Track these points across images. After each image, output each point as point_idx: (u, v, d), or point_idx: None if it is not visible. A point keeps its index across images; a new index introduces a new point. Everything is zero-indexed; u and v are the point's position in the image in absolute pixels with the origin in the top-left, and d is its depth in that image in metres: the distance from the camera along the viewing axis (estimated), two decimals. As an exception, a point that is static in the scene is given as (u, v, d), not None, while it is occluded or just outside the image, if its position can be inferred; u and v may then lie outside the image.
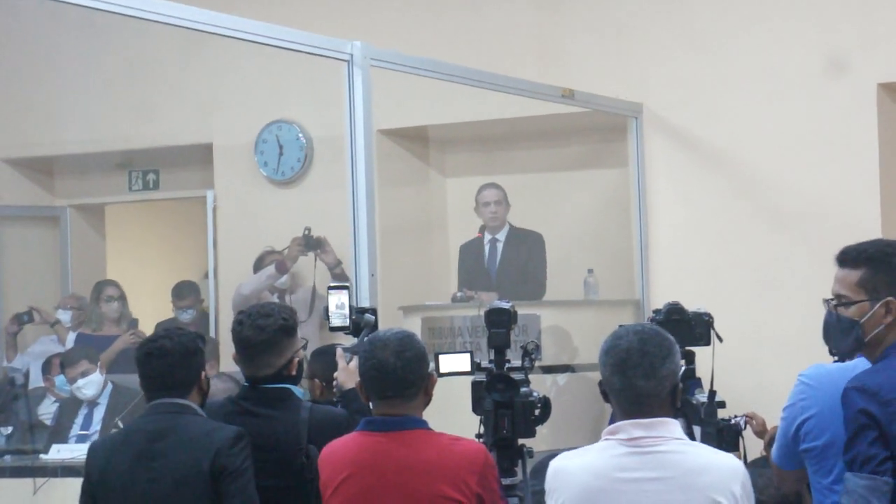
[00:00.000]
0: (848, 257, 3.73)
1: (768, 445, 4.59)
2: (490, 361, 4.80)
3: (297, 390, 4.69)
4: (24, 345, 9.38)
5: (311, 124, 9.20)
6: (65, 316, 9.20)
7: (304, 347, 4.77)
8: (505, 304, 4.88)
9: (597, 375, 3.57)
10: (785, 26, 8.06)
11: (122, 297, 9.21)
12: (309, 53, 6.01)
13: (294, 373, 4.65)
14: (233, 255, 9.35)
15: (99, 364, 7.98)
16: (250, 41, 5.80)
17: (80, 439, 7.61)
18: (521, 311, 5.22)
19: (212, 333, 9.07)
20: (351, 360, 4.74)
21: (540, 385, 6.02)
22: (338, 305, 4.90)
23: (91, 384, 7.87)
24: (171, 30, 5.66)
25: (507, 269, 8.47)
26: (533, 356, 4.82)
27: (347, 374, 4.74)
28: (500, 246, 8.55)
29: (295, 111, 9.25)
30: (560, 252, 8.55)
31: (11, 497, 7.02)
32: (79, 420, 7.90)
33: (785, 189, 8.01)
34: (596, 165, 8.87)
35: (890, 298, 3.64)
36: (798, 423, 3.82)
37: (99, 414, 7.87)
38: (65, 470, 6.90)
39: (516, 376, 4.76)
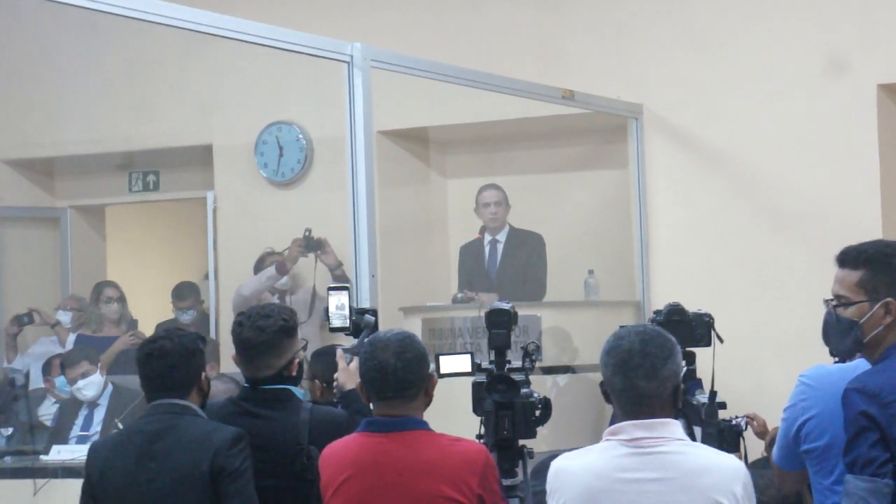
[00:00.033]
0: (848, 258, 3.73)
1: (769, 446, 4.59)
2: (491, 362, 4.79)
3: (298, 391, 4.69)
4: (24, 346, 9.38)
5: (311, 125, 9.19)
6: (65, 317, 9.20)
7: (305, 348, 4.77)
8: (505, 305, 4.88)
9: (597, 376, 3.57)
10: (785, 26, 8.06)
11: (122, 299, 9.21)
12: (309, 55, 6.01)
13: (294, 374, 4.65)
14: (233, 257, 9.35)
15: (99, 365, 7.98)
16: (251, 42, 5.80)
17: (81, 440, 7.61)
18: (522, 312, 5.22)
19: (212, 334, 9.08)
20: (351, 360, 4.74)
21: (540, 386, 6.02)
22: (338, 306, 4.90)
23: (91, 385, 7.87)
24: (172, 30, 5.65)
25: (508, 270, 8.46)
26: (533, 357, 4.82)
27: (348, 374, 4.74)
28: (500, 247, 8.54)
29: (295, 112, 9.25)
30: (560, 253, 8.55)
31: (12, 498, 7.03)
32: (79, 421, 7.90)
33: (785, 189, 8.01)
34: (596, 166, 8.87)
35: (889, 299, 3.64)
36: (799, 424, 3.82)
37: (99, 415, 7.88)
38: (65, 471, 6.91)
39: (517, 377, 4.75)
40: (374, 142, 6.17)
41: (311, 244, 8.66)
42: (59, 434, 7.80)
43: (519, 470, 4.72)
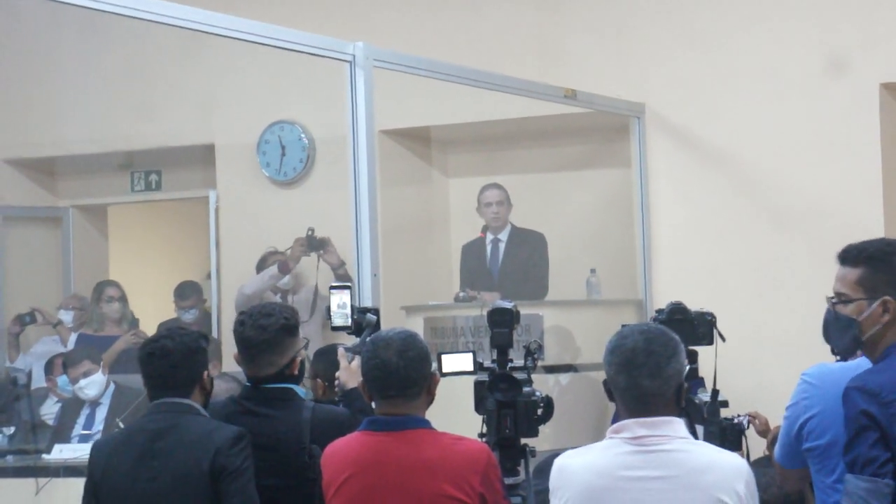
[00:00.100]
0: (849, 255, 3.73)
1: (771, 444, 4.59)
2: (493, 361, 4.80)
3: (300, 390, 4.69)
4: (26, 345, 9.38)
5: (313, 125, 9.20)
6: (67, 316, 9.21)
7: (306, 347, 4.77)
8: (507, 304, 4.89)
9: (599, 375, 3.57)
10: (785, 26, 8.06)
11: (123, 298, 9.22)
12: (311, 54, 6.02)
13: (296, 372, 4.65)
14: (235, 256, 9.35)
15: (101, 364, 7.99)
16: (252, 42, 5.80)
17: (83, 439, 7.61)
18: (524, 310, 5.22)
19: (214, 334, 9.08)
20: (353, 359, 4.74)
21: (542, 385, 6.02)
22: (340, 305, 4.90)
23: (93, 384, 7.87)
24: (173, 30, 5.65)
25: (510, 268, 8.47)
26: (535, 356, 4.83)
27: (349, 373, 4.74)
28: (502, 246, 8.55)
29: (297, 112, 9.26)
30: (562, 252, 8.55)
31: (14, 497, 7.03)
32: (81, 420, 7.90)
33: (787, 189, 8.01)
34: (598, 165, 8.88)
35: (887, 298, 3.63)
36: (801, 422, 3.81)
37: (101, 414, 7.88)
38: (67, 470, 6.91)
39: (519, 376, 4.76)
40: (376, 141, 6.17)
41: (314, 243, 8.67)
42: (61, 433, 7.80)
43: (521, 469, 4.72)
